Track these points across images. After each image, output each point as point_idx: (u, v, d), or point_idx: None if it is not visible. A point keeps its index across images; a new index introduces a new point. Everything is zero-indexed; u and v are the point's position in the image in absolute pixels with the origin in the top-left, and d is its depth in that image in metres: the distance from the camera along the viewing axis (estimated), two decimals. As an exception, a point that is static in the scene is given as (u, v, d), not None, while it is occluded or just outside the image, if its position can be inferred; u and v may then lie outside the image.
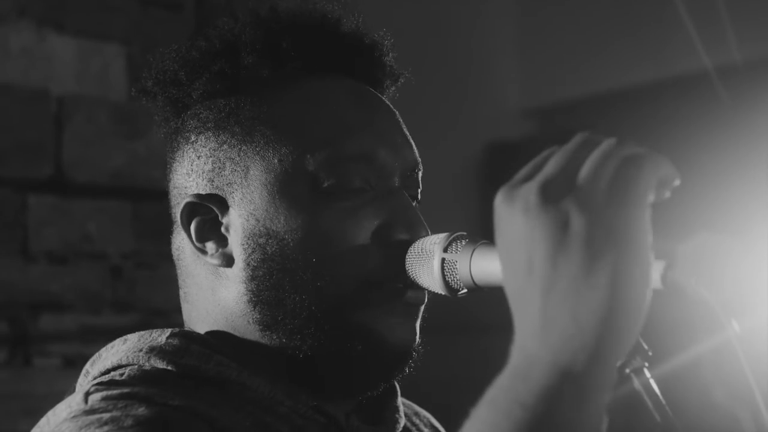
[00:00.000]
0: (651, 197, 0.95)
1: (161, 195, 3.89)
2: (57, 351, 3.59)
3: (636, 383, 1.10)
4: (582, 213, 0.93)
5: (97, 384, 1.24)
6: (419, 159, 1.40)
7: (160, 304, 3.82)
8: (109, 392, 1.20)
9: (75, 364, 3.59)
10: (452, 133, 4.87)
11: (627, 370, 1.10)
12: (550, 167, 0.97)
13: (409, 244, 1.31)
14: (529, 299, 0.95)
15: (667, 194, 0.97)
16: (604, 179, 0.94)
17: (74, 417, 1.17)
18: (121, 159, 3.77)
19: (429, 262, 1.27)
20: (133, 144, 3.79)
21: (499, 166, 5.33)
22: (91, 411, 1.17)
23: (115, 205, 3.76)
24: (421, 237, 1.31)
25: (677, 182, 0.97)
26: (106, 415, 1.14)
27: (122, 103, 3.80)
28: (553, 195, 0.95)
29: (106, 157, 3.74)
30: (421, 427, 1.55)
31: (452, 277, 1.25)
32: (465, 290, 1.26)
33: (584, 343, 0.91)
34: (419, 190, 1.41)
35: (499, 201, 0.98)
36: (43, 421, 1.26)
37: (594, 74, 6.01)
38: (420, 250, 1.29)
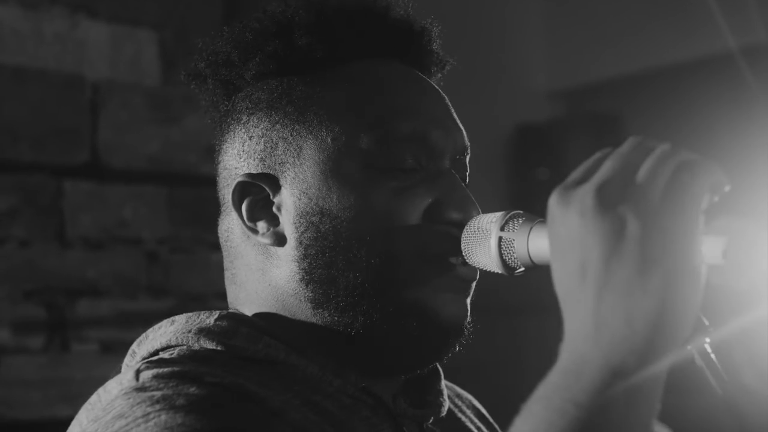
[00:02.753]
0: (704, 203, 0.95)
1: (196, 180, 3.90)
2: (94, 336, 3.58)
3: (698, 359, 1.09)
4: (638, 218, 0.93)
5: (147, 362, 1.23)
6: (468, 143, 1.39)
7: (195, 289, 3.81)
8: (160, 370, 1.18)
9: (112, 350, 3.60)
10: (480, 116, 4.82)
11: (688, 347, 1.08)
12: (606, 171, 0.97)
13: (460, 223, 1.30)
14: (581, 301, 0.96)
15: (717, 199, 0.98)
16: (659, 185, 0.95)
17: (125, 394, 1.16)
18: (156, 144, 3.76)
19: (486, 240, 1.25)
20: (168, 129, 3.77)
21: (527, 148, 5.31)
22: (143, 388, 1.15)
23: (151, 190, 3.75)
24: (473, 216, 1.30)
25: (727, 188, 0.97)
26: (157, 393, 1.13)
27: (156, 88, 3.79)
28: (609, 199, 0.95)
29: (141, 142, 3.73)
30: (464, 408, 1.53)
31: (509, 255, 1.23)
32: (522, 269, 1.23)
33: (636, 345, 0.92)
34: (467, 173, 1.40)
35: (554, 202, 0.99)
36: (93, 398, 1.23)
37: (620, 56, 5.98)
38: (476, 229, 1.27)
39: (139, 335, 1.36)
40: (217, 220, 1.44)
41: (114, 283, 3.64)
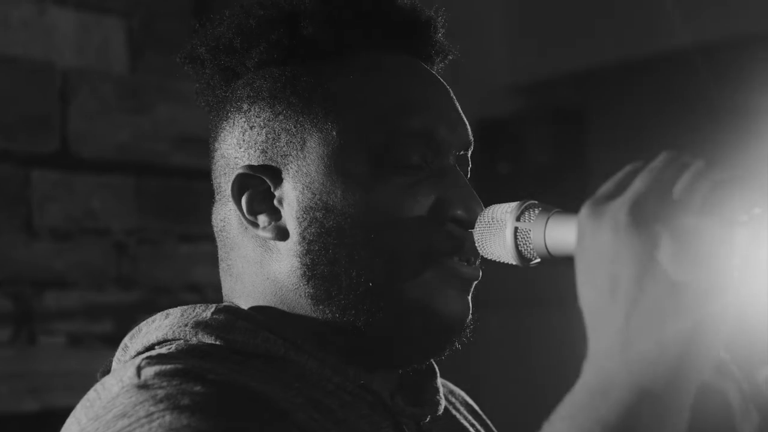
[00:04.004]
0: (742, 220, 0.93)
1: (166, 170, 3.87)
2: (62, 329, 3.53)
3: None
4: (674, 237, 0.91)
5: (147, 358, 1.19)
6: (472, 138, 1.36)
7: (164, 281, 3.77)
8: (163, 367, 1.15)
9: (80, 342, 3.54)
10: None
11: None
12: (640, 185, 0.95)
13: (465, 221, 1.28)
14: (610, 318, 0.94)
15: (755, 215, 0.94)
16: (696, 204, 0.92)
17: (127, 392, 1.12)
18: (125, 134, 3.72)
19: (501, 231, 1.22)
20: (138, 118, 3.73)
21: (489, 142, 5.29)
22: (145, 386, 1.12)
23: (120, 180, 3.71)
24: (478, 215, 1.28)
25: (766, 207, 0.94)
26: (160, 392, 1.10)
27: (125, 77, 3.75)
28: (644, 216, 0.93)
29: (111, 131, 3.69)
30: (457, 405, 1.51)
31: (525, 246, 1.20)
32: (538, 260, 1.21)
33: (666, 365, 0.90)
34: (469, 168, 1.37)
35: (585, 215, 0.97)
36: (91, 395, 1.19)
37: (582, 51, 5.98)
38: (491, 219, 1.25)
39: (107, 327, 1.32)
40: (211, 209, 1.39)
41: (82, 275, 3.60)
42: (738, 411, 1.13)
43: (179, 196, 3.78)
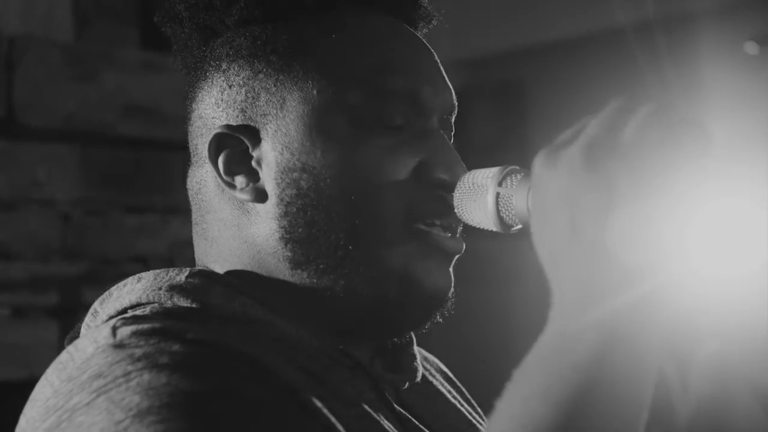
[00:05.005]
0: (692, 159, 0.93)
1: (113, 140, 3.83)
2: (5, 300, 3.48)
3: None
4: (630, 174, 0.91)
5: (123, 318, 1.15)
6: (456, 102, 1.34)
7: (110, 253, 3.72)
8: (140, 326, 1.11)
9: (24, 314, 3.48)
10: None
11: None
12: (593, 129, 0.95)
13: (448, 184, 1.26)
14: (573, 260, 0.94)
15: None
16: (649, 140, 0.92)
17: (103, 352, 1.08)
18: (72, 103, 3.66)
19: (482, 196, 1.20)
20: (85, 87, 3.67)
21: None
22: (121, 345, 1.08)
23: (65, 150, 3.65)
24: (461, 178, 1.26)
25: (713, 146, 0.95)
26: (138, 351, 1.06)
27: (72, 44, 3.69)
28: (599, 157, 0.93)
29: (57, 100, 3.63)
30: (433, 372, 1.49)
31: (507, 212, 1.18)
32: (519, 226, 1.19)
33: (634, 301, 0.90)
34: (452, 133, 1.35)
35: (540, 163, 0.97)
36: (63, 357, 1.15)
37: (524, 26, 6.01)
38: (471, 185, 1.22)
39: (52, 300, 1.28)
40: (187, 172, 1.36)
41: (26, 246, 3.55)
42: (675, 391, 1.14)
43: (126, 167, 3.73)
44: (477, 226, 1.24)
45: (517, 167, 1.18)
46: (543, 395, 0.90)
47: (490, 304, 7.21)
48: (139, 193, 3.71)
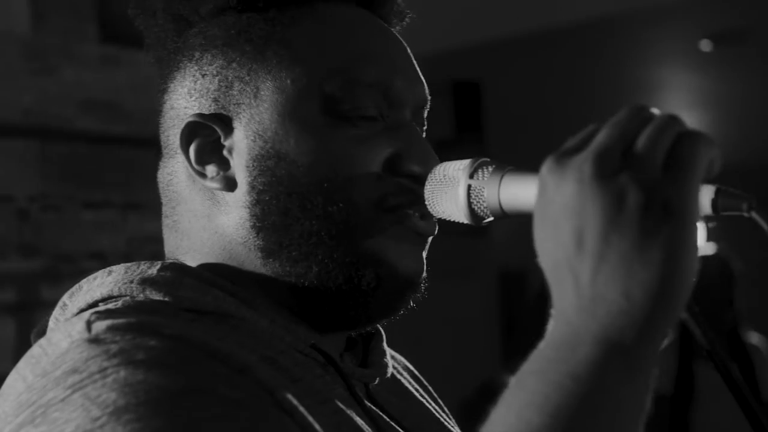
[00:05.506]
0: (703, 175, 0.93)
1: (71, 135, 3.78)
2: (-38, 297, 3.49)
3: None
4: (639, 188, 0.91)
5: (97, 312, 1.13)
6: (429, 96, 1.34)
7: (67, 248, 3.69)
8: (115, 321, 1.09)
9: (-19, 311, 3.50)
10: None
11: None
12: (604, 139, 0.94)
13: (420, 176, 1.25)
14: (576, 272, 0.93)
15: (715, 171, 0.95)
16: (660, 155, 0.92)
17: (78, 347, 1.06)
18: (30, 97, 3.63)
19: (453, 188, 1.20)
20: (43, 81, 3.64)
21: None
22: (96, 340, 1.06)
23: (23, 145, 3.62)
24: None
25: (720, 165, 0.95)
26: (113, 347, 1.04)
27: (29, 38, 3.65)
28: (608, 167, 0.92)
29: (15, 94, 3.60)
30: (400, 370, 1.48)
31: (479, 204, 1.18)
32: (491, 218, 1.19)
33: (634, 319, 0.90)
34: (425, 128, 1.35)
35: (548, 169, 0.95)
36: (36, 351, 1.12)
37: (480, 23, 6.02)
38: (442, 177, 1.22)
39: (9, 296, 1.25)
40: (158, 164, 1.35)
41: (-18, 242, 3.53)
42: None
43: (84, 162, 3.70)
44: (448, 219, 1.24)
45: (488, 159, 1.18)
46: (541, 405, 0.89)
47: (446, 300, 7.22)
48: (98, 188, 3.68)
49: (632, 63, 7.40)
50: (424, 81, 1.32)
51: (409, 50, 1.33)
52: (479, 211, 1.18)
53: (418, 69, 1.33)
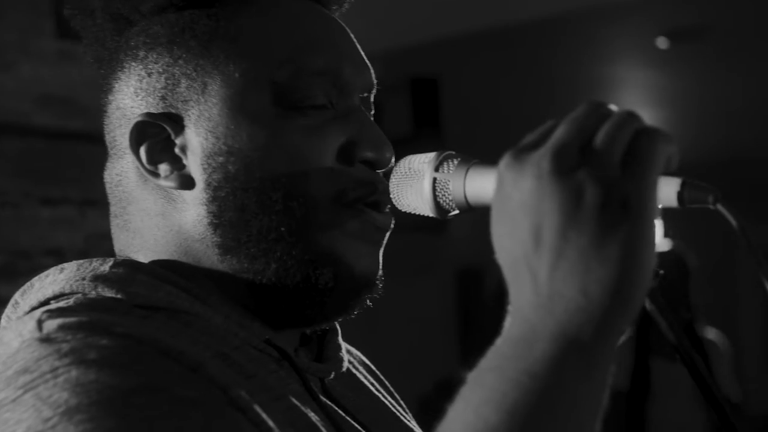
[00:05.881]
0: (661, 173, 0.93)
1: (28, 131, 3.75)
2: None
3: (647, 304, 1.05)
4: (597, 185, 0.90)
5: (48, 311, 1.12)
6: (375, 80, 1.33)
7: (24, 245, 3.67)
8: (66, 320, 1.08)
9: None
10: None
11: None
12: (562, 134, 0.94)
13: (375, 162, 1.25)
14: (533, 269, 0.92)
15: (672, 168, 0.95)
16: (618, 151, 0.92)
17: (28, 346, 1.05)
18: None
19: (418, 182, 1.19)
20: (1, 76, 3.61)
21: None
22: (48, 340, 1.05)
23: (-22, 140, 3.60)
24: (387, 156, 1.26)
25: (678, 161, 0.95)
26: (65, 346, 1.03)
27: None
28: (566, 163, 0.92)
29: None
30: (356, 364, 1.48)
31: (444, 197, 1.17)
32: (456, 211, 1.18)
33: (592, 315, 0.89)
34: (372, 113, 1.34)
35: (506, 165, 0.95)
36: None
37: (437, 20, 6.01)
38: (407, 170, 1.21)
39: None
40: (105, 165, 1.33)
41: (-63, 239, 3.49)
42: None
43: (41, 158, 3.68)
44: (413, 212, 1.23)
45: (454, 152, 1.18)
46: (498, 402, 0.89)
47: (404, 298, 7.22)
48: (55, 184, 3.66)
49: (589, 60, 7.43)
50: (369, 66, 1.32)
51: (352, 36, 1.32)
52: (445, 204, 1.18)
53: (363, 54, 1.32)
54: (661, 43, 7.08)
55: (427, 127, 6.78)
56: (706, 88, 8.12)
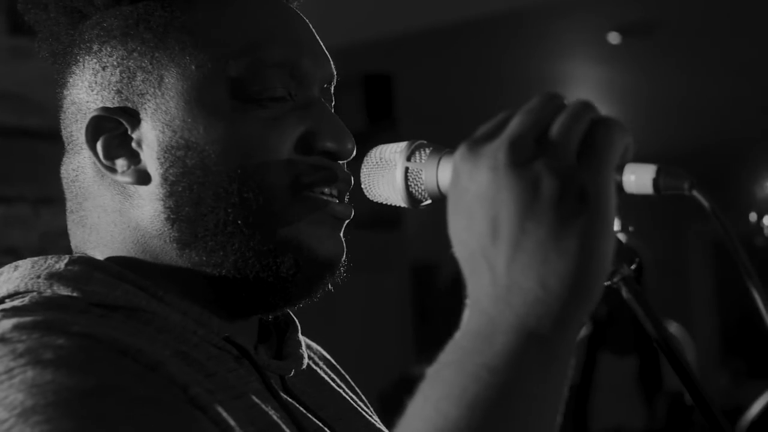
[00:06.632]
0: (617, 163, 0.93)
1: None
2: None
3: (625, 293, 1.06)
4: (554, 175, 0.90)
5: (2, 311, 1.11)
6: (335, 71, 1.33)
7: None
8: (21, 320, 1.07)
9: None
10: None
11: (615, 279, 1.05)
12: (517, 126, 0.93)
13: (335, 153, 1.25)
14: (491, 261, 0.92)
15: (628, 157, 0.96)
16: (575, 141, 0.92)
17: None
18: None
19: (390, 172, 1.18)
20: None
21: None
22: (2, 340, 1.04)
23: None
24: (348, 147, 1.25)
25: (633, 152, 0.96)
26: (20, 346, 1.03)
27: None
28: (522, 155, 0.91)
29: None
30: (316, 359, 1.47)
31: (417, 187, 1.16)
32: (428, 201, 1.18)
33: (550, 307, 0.89)
34: (333, 104, 1.33)
35: (461, 157, 0.95)
36: None
37: (391, 17, 6.01)
38: (378, 160, 1.20)
39: None
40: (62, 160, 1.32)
41: None
42: None
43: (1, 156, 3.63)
44: (384, 202, 1.23)
45: (425, 141, 1.17)
46: (457, 397, 0.89)
47: (359, 294, 7.22)
48: (9, 182, 3.62)
49: (541, 55, 7.45)
50: (329, 56, 1.31)
51: (311, 27, 1.31)
52: (417, 194, 1.17)
53: (322, 45, 1.31)
54: (613, 38, 7.11)
55: (380, 121, 6.78)
56: (658, 84, 8.16)
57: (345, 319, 6.71)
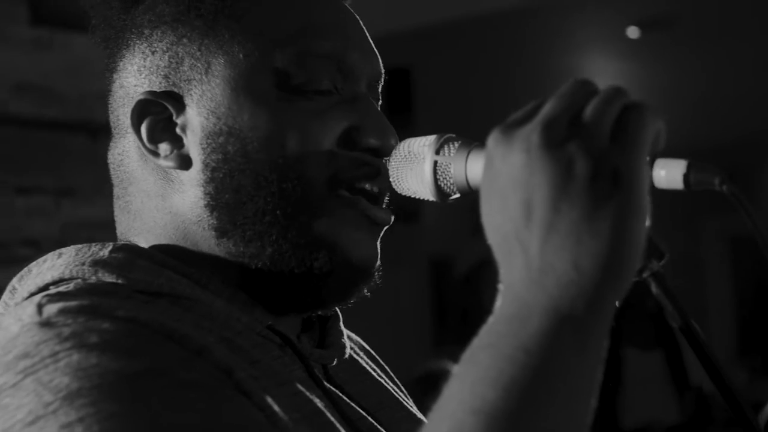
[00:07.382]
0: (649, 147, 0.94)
1: (2, 119, 3.72)
2: None
3: (654, 287, 1.06)
4: (587, 157, 0.90)
5: (48, 295, 1.11)
6: (383, 70, 1.32)
7: (0, 235, 3.63)
8: (67, 304, 1.07)
9: None
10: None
11: (645, 275, 1.04)
12: (551, 109, 0.94)
13: (378, 150, 1.23)
14: (524, 244, 0.92)
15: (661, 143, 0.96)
16: (608, 124, 0.92)
17: (28, 330, 1.04)
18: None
19: (419, 165, 1.18)
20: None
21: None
22: (48, 324, 1.04)
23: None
24: (391, 144, 1.23)
25: (665, 137, 0.96)
26: (66, 330, 1.03)
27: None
28: (556, 137, 0.92)
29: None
30: (357, 350, 1.47)
31: (445, 180, 1.16)
32: (457, 195, 1.17)
33: (584, 289, 0.90)
34: (380, 103, 1.32)
35: (495, 140, 0.95)
36: None
37: (410, 10, 6.01)
38: (407, 153, 1.20)
39: None
40: (109, 145, 1.33)
41: None
42: None
43: (16, 146, 3.63)
44: (413, 196, 1.22)
45: (454, 135, 1.17)
46: (493, 379, 0.89)
47: (377, 288, 7.23)
48: (30, 173, 3.62)
49: (560, 49, 7.44)
50: (378, 54, 1.30)
51: (361, 23, 1.31)
52: (446, 187, 1.17)
53: (371, 42, 1.30)
54: (632, 32, 7.10)
55: (399, 115, 6.78)
56: (677, 78, 8.14)
57: (362, 312, 6.72)
